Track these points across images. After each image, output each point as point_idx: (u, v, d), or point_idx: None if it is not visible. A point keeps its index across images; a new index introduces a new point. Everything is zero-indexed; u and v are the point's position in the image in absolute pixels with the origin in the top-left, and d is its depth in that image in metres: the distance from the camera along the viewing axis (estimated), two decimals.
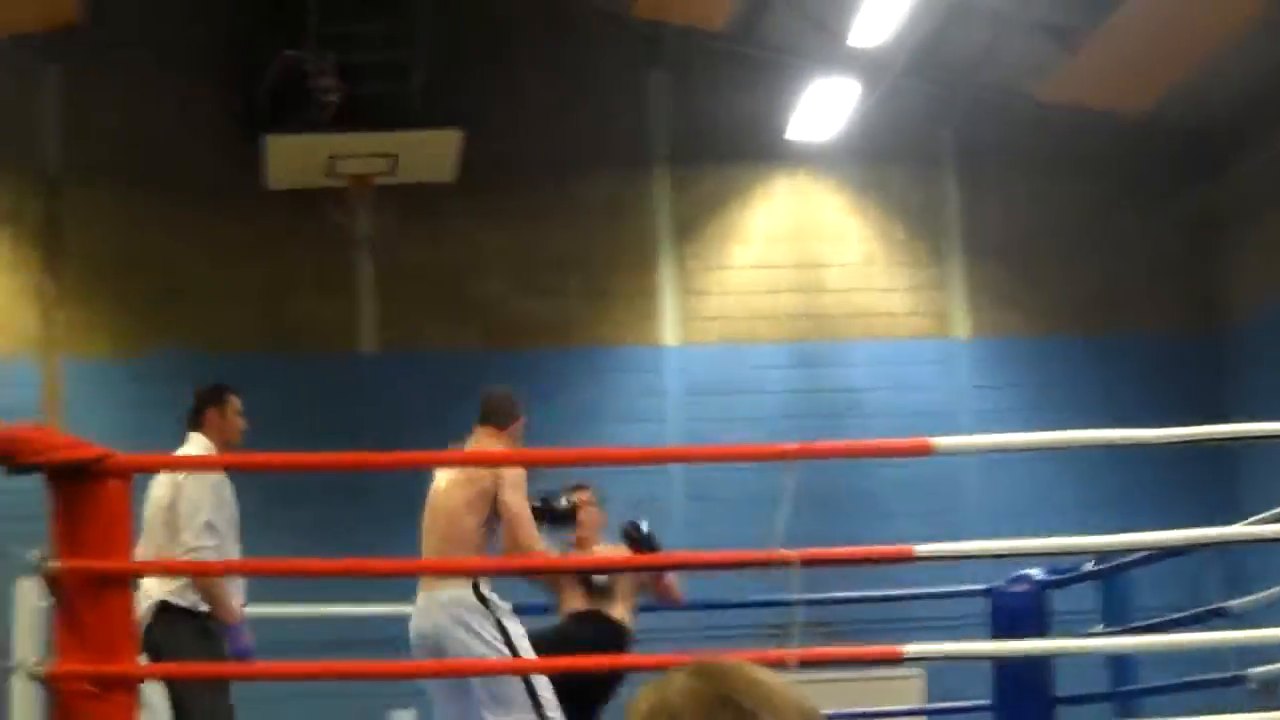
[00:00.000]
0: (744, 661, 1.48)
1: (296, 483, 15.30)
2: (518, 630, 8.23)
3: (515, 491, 8.43)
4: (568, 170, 17.73)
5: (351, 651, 9.52)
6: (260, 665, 8.59)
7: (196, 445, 8.80)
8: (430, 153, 16.64)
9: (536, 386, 17.06)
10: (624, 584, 9.65)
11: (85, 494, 6.20)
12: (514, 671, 8.11)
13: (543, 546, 8.61)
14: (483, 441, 8.68)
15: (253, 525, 14.68)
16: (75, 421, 13.94)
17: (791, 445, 7.76)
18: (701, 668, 1.46)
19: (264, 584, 9.71)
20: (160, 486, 8.51)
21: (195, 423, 8.85)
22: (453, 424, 16.09)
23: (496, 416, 8.77)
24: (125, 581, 6.33)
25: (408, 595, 10.48)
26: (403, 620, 11.10)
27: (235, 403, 8.87)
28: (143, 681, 6.54)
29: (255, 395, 16.42)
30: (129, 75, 17.23)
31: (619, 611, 9.68)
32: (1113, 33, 16.29)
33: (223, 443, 8.82)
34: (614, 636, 9.49)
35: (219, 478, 8.60)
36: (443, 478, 8.69)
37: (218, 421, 8.84)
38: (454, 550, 8.38)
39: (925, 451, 7.82)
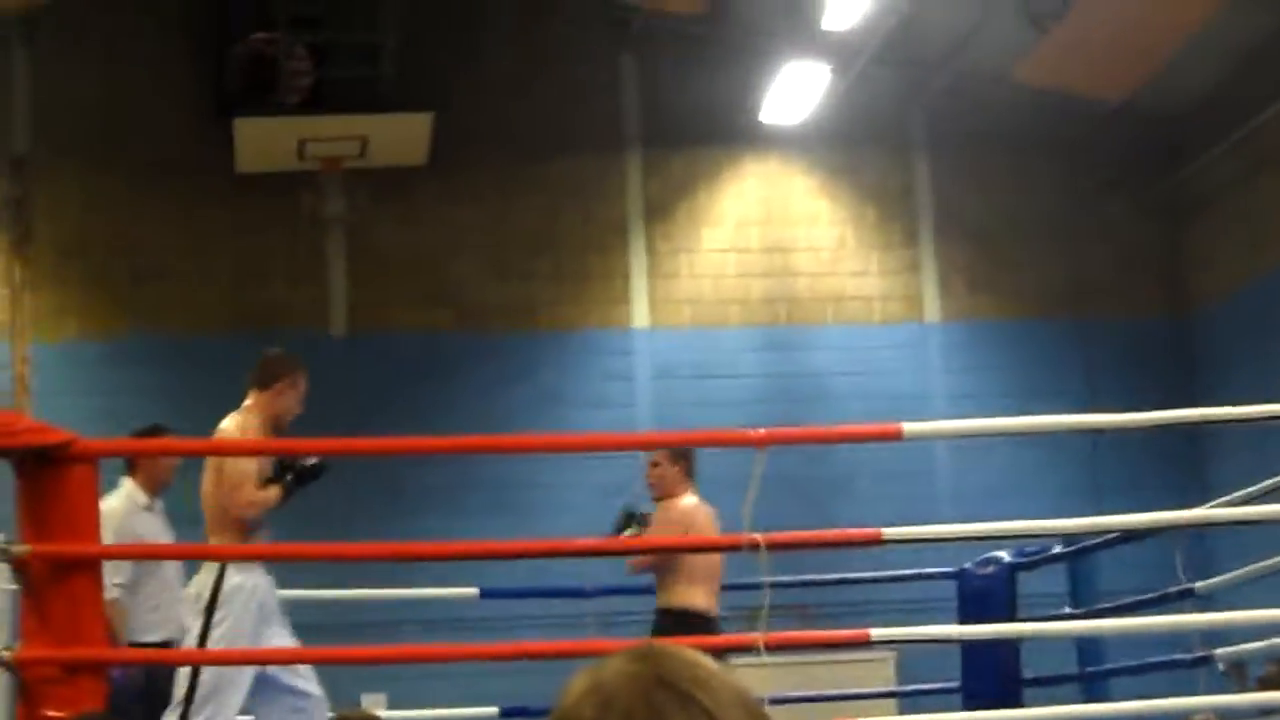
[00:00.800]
0: (682, 646, 1.49)
1: None
2: (226, 624, 7.88)
3: (240, 458, 8.22)
4: (539, 153, 17.71)
5: (321, 636, 9.51)
6: (228, 651, 8.57)
7: (120, 492, 8.89)
8: (401, 135, 16.62)
9: (506, 370, 17.10)
10: (678, 564, 9.12)
11: (51, 479, 6.21)
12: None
13: (253, 514, 8.22)
14: (246, 402, 8.52)
15: None
16: (44, 405, 13.91)
17: (761, 431, 7.79)
18: (638, 651, 1.47)
19: None
20: None
21: (128, 468, 8.95)
22: (421, 407, 16.19)
23: (257, 378, 8.56)
24: (93, 566, 6.32)
25: (379, 580, 10.51)
26: (374, 605, 11.12)
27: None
28: (110, 666, 6.53)
29: (225, 379, 16.46)
30: (98, 57, 17.17)
31: (693, 597, 9.13)
32: (1087, 17, 16.33)
33: (152, 487, 8.95)
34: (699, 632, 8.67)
35: (132, 516, 8.69)
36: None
37: (148, 466, 8.92)
38: (214, 536, 8.21)
39: (895, 437, 7.85)
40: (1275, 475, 8.89)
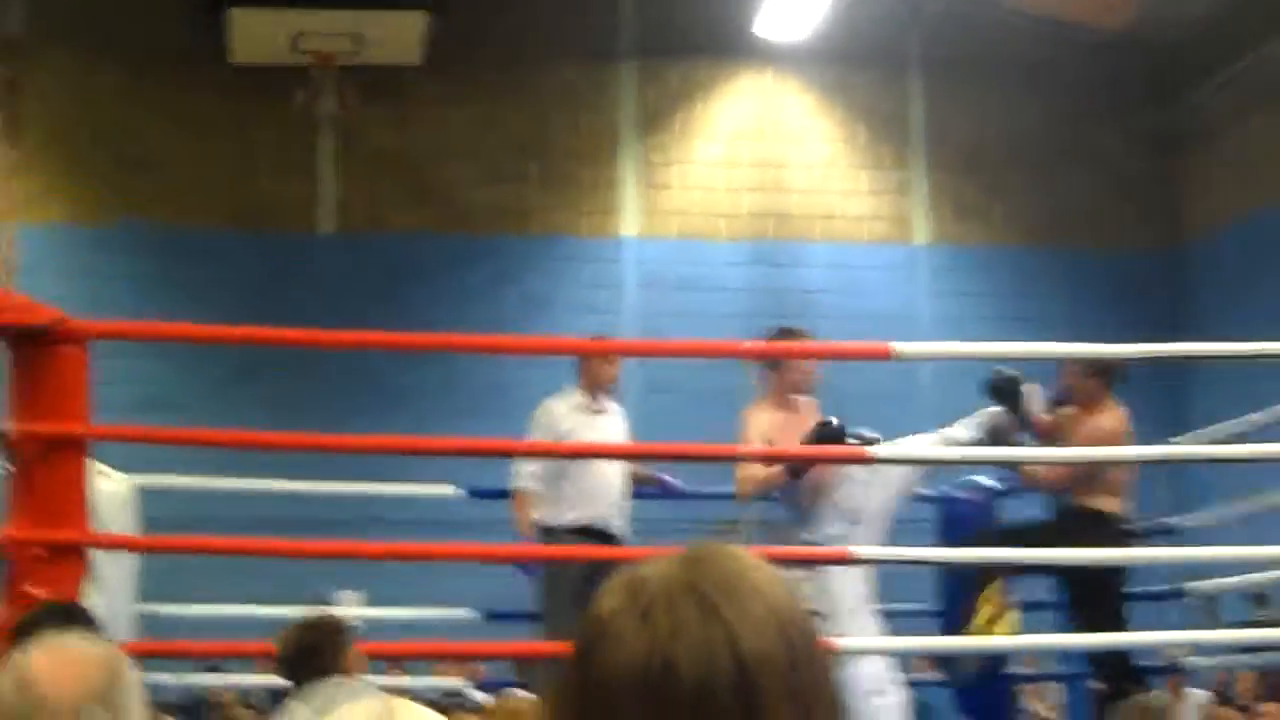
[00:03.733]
0: (735, 551, 1.47)
1: (253, 359, 15.28)
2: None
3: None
4: (535, 57, 17.62)
5: (300, 531, 9.51)
6: (207, 540, 8.58)
7: (563, 393, 9.47)
8: (396, 33, 16.50)
9: (494, 273, 17.07)
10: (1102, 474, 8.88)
11: (41, 358, 6.18)
12: None
13: (747, 490, 8.23)
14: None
15: (211, 400, 14.67)
16: (29, 288, 13.83)
17: (751, 343, 7.78)
18: (690, 552, 1.46)
19: (220, 457, 9.69)
20: None
21: (578, 372, 9.50)
22: (408, 307, 16.15)
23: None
24: (80, 447, 6.29)
25: (360, 478, 10.49)
26: (353, 502, 11.08)
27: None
28: (93, 548, 6.51)
29: (212, 271, 16.50)
30: None
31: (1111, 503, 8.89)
32: None
33: (592, 388, 9.42)
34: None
35: (565, 417, 9.22)
36: None
37: (589, 369, 9.44)
38: None
39: (885, 356, 7.85)
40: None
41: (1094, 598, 8.41)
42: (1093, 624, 8.28)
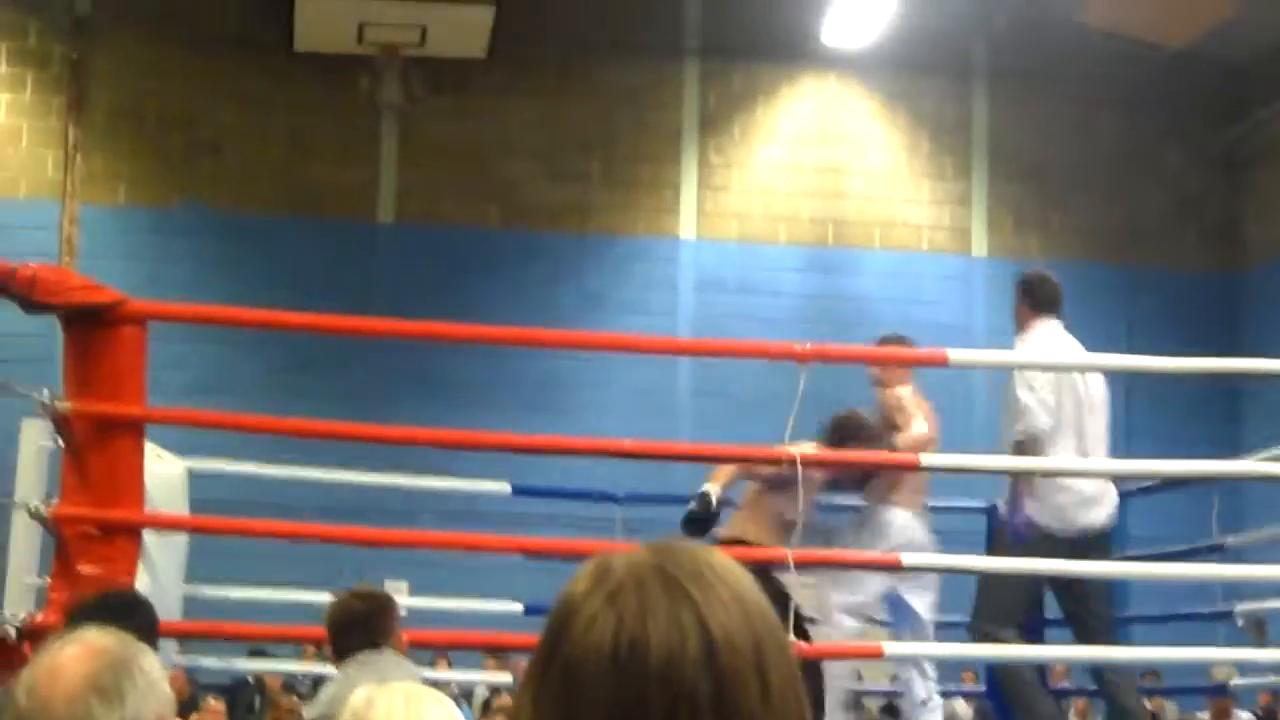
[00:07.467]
0: (701, 547, 1.51)
1: (308, 347, 15.32)
2: None
3: None
4: (599, 54, 17.64)
5: (352, 520, 9.53)
6: (257, 523, 8.60)
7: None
8: (462, 27, 16.55)
9: (551, 270, 17.09)
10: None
11: (99, 338, 6.19)
12: None
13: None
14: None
15: (265, 387, 14.71)
16: (90, 268, 13.91)
17: (806, 346, 7.75)
18: (653, 544, 1.51)
19: (272, 443, 9.71)
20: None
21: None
22: (464, 301, 16.18)
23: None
24: (135, 428, 6.30)
25: (412, 469, 10.52)
26: (405, 494, 11.10)
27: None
28: (145, 528, 6.53)
29: (270, 257, 16.56)
30: None
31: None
32: None
33: None
34: None
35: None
36: None
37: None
38: None
39: (941, 363, 7.83)
40: None
41: None
42: None
